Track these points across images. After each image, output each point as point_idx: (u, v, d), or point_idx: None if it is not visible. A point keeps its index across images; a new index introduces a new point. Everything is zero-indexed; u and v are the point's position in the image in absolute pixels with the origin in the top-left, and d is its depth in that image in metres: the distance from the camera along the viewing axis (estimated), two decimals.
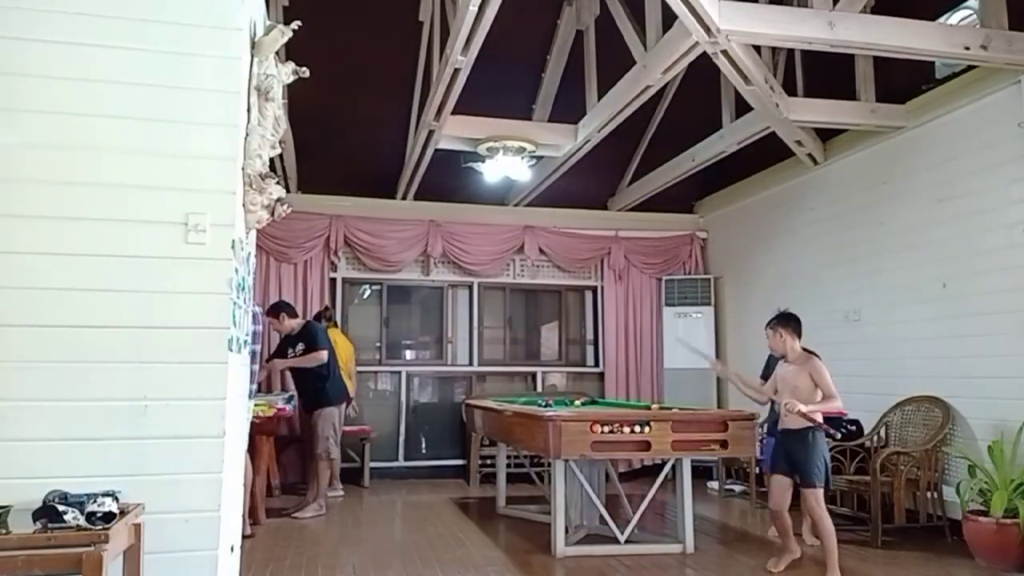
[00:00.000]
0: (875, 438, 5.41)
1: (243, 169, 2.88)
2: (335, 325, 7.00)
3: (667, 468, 5.07)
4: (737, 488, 6.76)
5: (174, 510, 2.57)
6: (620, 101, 5.51)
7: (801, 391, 4.19)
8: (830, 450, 5.27)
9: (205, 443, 2.64)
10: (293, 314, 5.99)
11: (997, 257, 4.77)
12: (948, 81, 5.25)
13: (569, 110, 6.40)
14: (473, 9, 4.24)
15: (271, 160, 3.12)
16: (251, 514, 5.07)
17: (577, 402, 6.08)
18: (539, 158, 6.76)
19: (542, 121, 6.70)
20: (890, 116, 5.58)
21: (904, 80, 5.48)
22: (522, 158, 6.36)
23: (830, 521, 4.13)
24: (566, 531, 4.64)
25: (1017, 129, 4.63)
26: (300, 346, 5.82)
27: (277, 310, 5.99)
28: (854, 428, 5.65)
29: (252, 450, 4.81)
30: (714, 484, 6.97)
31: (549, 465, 5.17)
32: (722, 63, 4.84)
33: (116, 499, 2.30)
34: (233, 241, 2.77)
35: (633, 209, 8.31)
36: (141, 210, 2.67)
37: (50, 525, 2.14)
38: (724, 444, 4.56)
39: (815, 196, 6.61)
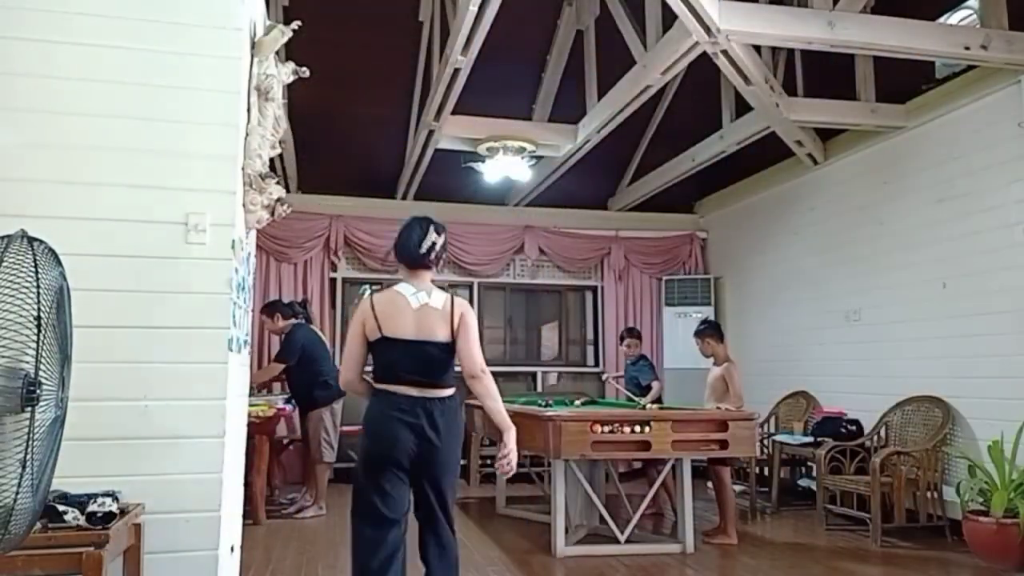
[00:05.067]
0: (875, 438, 5.41)
1: (243, 169, 2.89)
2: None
3: (667, 468, 5.07)
4: (737, 488, 6.76)
5: (174, 510, 2.57)
6: (620, 101, 5.51)
7: (715, 390, 5.05)
8: (831, 449, 5.31)
9: (205, 443, 2.64)
10: (287, 315, 5.93)
11: (997, 257, 4.77)
12: (948, 81, 5.25)
13: (569, 110, 6.40)
14: (473, 9, 4.24)
15: (271, 160, 3.12)
16: (251, 514, 5.07)
17: (577, 402, 6.08)
18: (539, 158, 6.76)
19: (542, 121, 6.70)
20: (890, 116, 5.58)
21: (904, 80, 5.48)
22: (522, 158, 6.36)
23: None
24: (566, 531, 4.64)
25: (1017, 129, 4.63)
26: None
27: (272, 309, 5.91)
28: (854, 428, 5.66)
29: (251, 450, 4.80)
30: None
31: (549, 465, 5.17)
32: (722, 63, 4.84)
33: (116, 499, 2.30)
34: (233, 241, 2.77)
35: (633, 209, 8.31)
36: (141, 210, 2.67)
37: (50, 525, 2.14)
38: (724, 444, 4.56)
39: (815, 196, 6.61)
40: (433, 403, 2.71)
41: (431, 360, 2.73)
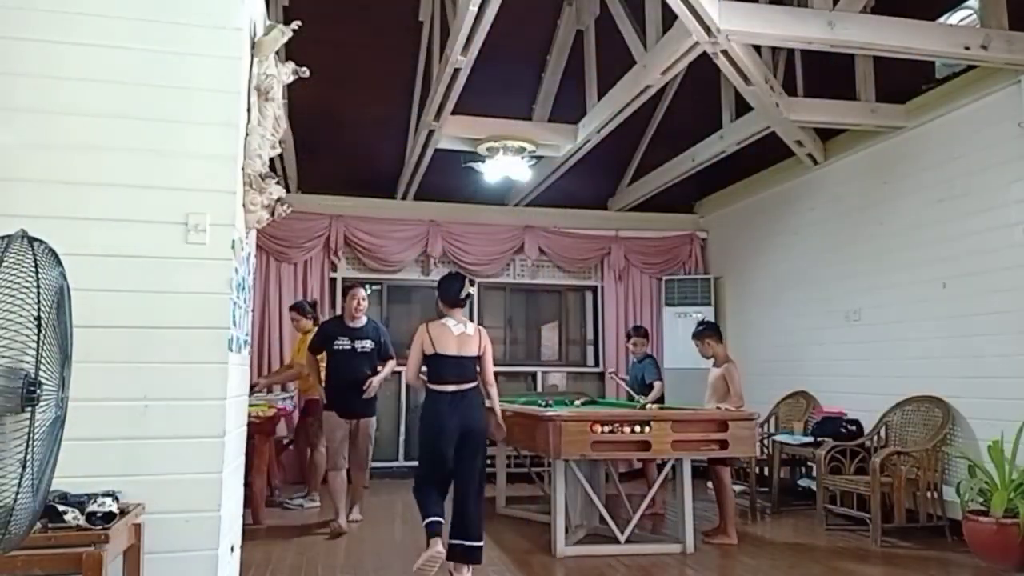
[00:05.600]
0: (875, 438, 5.41)
1: (243, 169, 2.89)
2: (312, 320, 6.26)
3: (667, 468, 5.07)
4: (737, 488, 6.76)
5: (174, 510, 2.57)
6: (620, 101, 5.51)
7: (717, 390, 5.12)
8: (831, 449, 5.31)
9: (205, 443, 2.64)
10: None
11: (997, 257, 4.77)
12: (948, 81, 5.25)
13: (569, 110, 6.40)
14: (473, 9, 4.24)
15: (271, 160, 3.12)
16: (251, 514, 5.07)
17: (577, 402, 6.08)
18: (539, 158, 6.76)
19: (542, 121, 6.70)
20: (890, 116, 5.58)
21: (904, 80, 5.48)
22: (522, 158, 6.36)
23: None
24: (566, 531, 4.64)
25: (1017, 129, 4.63)
26: (367, 343, 5.26)
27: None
28: (854, 428, 5.66)
29: (252, 450, 4.79)
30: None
31: (549, 465, 5.17)
32: (722, 63, 4.84)
33: (116, 499, 2.30)
34: (233, 241, 2.77)
35: (633, 209, 8.31)
36: (141, 210, 2.68)
37: (50, 525, 2.14)
38: (724, 444, 4.56)
39: (815, 196, 6.61)
40: (465, 392, 4.04)
41: (466, 367, 4.07)
